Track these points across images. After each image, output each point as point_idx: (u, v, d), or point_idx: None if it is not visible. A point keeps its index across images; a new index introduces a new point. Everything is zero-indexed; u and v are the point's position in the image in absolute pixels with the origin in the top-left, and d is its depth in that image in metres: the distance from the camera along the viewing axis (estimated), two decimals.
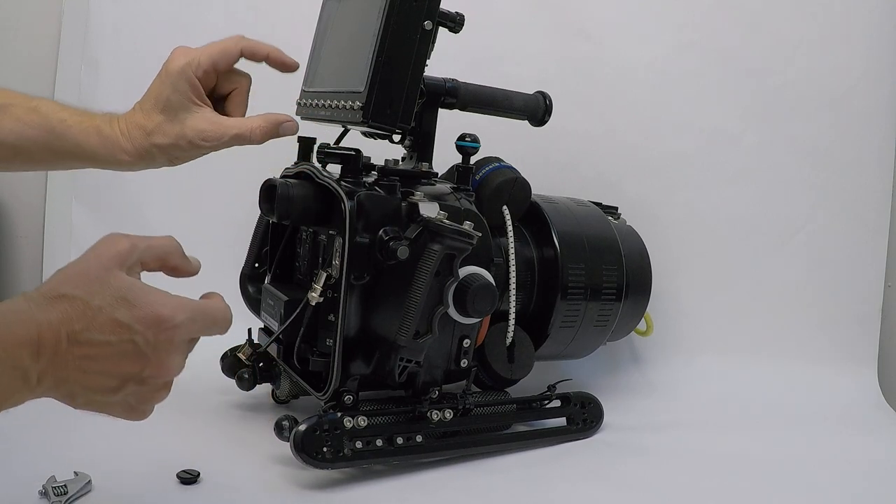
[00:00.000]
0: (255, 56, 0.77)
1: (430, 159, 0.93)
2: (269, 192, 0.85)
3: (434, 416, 0.85)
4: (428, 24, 0.81)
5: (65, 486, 0.70)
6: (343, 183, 0.82)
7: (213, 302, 0.58)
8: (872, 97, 1.26)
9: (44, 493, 0.70)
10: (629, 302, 1.05)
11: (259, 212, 0.90)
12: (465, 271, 0.82)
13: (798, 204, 1.28)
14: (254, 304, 0.99)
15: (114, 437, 0.85)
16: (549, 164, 1.24)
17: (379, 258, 0.80)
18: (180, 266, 0.59)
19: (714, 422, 1.08)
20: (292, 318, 0.84)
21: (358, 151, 0.84)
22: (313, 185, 0.85)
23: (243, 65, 0.78)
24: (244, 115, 0.78)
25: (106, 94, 1.31)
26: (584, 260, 0.99)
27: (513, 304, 0.94)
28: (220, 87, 0.77)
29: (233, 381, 0.94)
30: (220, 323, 0.57)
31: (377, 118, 0.81)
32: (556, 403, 0.97)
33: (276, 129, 0.78)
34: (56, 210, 1.36)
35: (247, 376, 0.93)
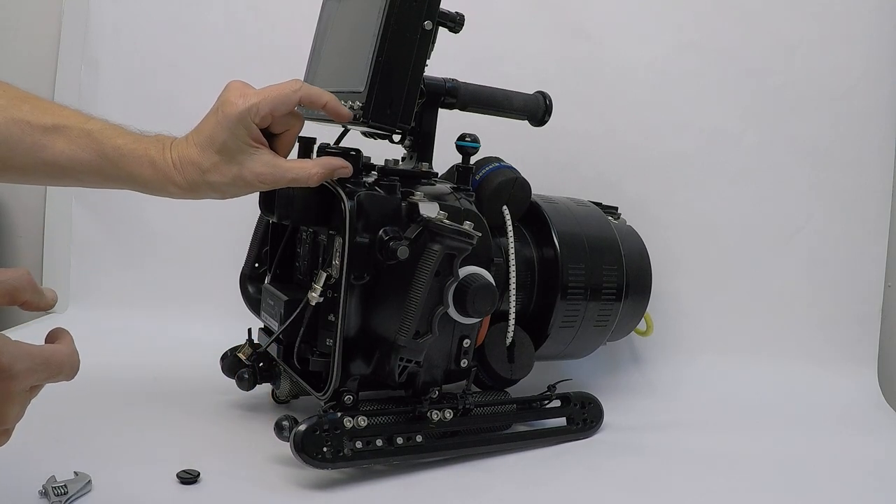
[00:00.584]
0: (312, 105, 0.77)
1: (430, 159, 0.93)
2: (269, 192, 0.85)
3: (434, 416, 0.85)
4: (428, 24, 0.81)
5: (65, 486, 0.69)
6: (343, 183, 0.82)
7: (58, 348, 0.54)
8: (872, 97, 1.26)
9: (44, 493, 0.69)
10: (629, 302, 1.05)
11: (259, 212, 0.90)
12: (465, 271, 0.82)
13: (798, 204, 1.27)
14: (254, 304, 0.99)
15: (114, 437, 0.85)
16: (549, 164, 1.24)
17: (379, 258, 0.80)
18: (31, 301, 0.55)
19: (714, 422, 1.08)
20: (292, 318, 0.84)
21: (358, 151, 0.84)
22: None
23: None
24: (289, 152, 0.79)
25: (106, 94, 1.31)
26: (584, 260, 0.99)
27: (513, 304, 0.94)
28: (273, 127, 0.77)
29: (233, 381, 0.94)
30: (66, 370, 0.54)
31: (377, 118, 0.81)
32: (556, 403, 0.96)
33: (332, 173, 0.79)
34: (56, 210, 1.36)
35: (247, 376, 0.93)
